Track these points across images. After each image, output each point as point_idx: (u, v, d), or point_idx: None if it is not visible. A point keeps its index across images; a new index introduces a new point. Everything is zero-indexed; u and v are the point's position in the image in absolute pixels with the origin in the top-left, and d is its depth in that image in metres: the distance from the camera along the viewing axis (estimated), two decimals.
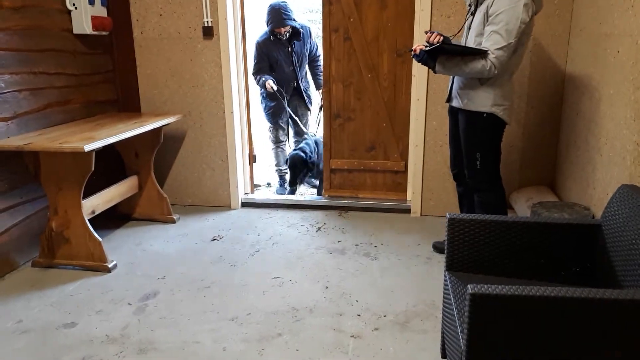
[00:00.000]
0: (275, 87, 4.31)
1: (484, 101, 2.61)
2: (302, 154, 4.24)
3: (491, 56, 2.44)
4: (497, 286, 1.39)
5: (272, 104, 4.51)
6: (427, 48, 2.55)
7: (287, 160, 4.38)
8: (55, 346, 2.26)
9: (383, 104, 3.86)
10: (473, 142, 2.72)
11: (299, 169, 4.22)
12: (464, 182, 2.96)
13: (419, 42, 3.53)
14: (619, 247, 1.74)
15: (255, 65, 4.38)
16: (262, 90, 4.45)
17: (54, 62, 3.29)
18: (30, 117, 3.08)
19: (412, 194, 3.84)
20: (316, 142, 4.48)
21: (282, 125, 4.65)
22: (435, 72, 2.64)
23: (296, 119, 4.60)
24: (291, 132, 4.79)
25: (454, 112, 2.86)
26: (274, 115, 4.57)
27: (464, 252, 1.99)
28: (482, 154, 2.69)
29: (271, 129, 4.68)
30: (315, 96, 4.75)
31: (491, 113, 2.61)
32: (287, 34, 4.22)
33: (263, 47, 4.31)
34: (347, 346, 2.24)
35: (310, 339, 2.29)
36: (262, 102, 4.60)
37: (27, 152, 2.78)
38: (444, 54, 2.58)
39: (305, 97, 4.60)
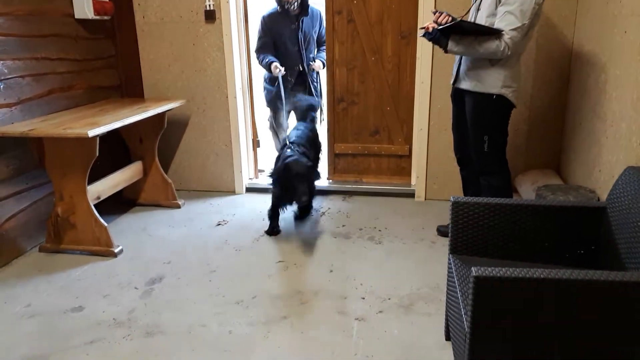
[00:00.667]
0: (283, 71, 3.84)
1: (494, 82, 2.58)
2: (304, 160, 3.07)
3: (505, 37, 2.42)
4: (501, 269, 1.39)
5: (273, 88, 4.05)
6: (443, 26, 2.51)
7: (280, 170, 3.05)
8: (63, 330, 2.29)
9: (387, 87, 3.83)
10: (481, 124, 2.69)
11: (303, 179, 2.97)
12: (469, 166, 2.94)
13: (423, 24, 3.50)
14: (623, 229, 1.74)
15: (259, 40, 3.94)
16: (266, 74, 4.05)
17: (56, 48, 3.27)
18: (33, 102, 3.08)
19: (417, 178, 3.83)
20: (311, 131, 3.62)
21: (282, 108, 4.12)
22: (446, 51, 2.60)
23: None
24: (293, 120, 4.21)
25: (459, 95, 2.83)
26: (274, 101, 4.11)
27: (468, 236, 1.99)
28: (490, 136, 2.67)
29: (270, 116, 4.24)
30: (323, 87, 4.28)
31: (500, 95, 2.59)
32: (296, 4, 3.81)
33: (268, 22, 3.89)
34: (352, 329, 2.26)
35: (315, 321, 2.31)
36: (264, 86, 4.18)
37: (31, 138, 2.79)
38: (457, 33, 2.53)
39: (311, 87, 4.08)
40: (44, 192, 3.15)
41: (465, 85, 2.71)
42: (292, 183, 2.94)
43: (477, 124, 2.71)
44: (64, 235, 3.03)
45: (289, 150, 3.14)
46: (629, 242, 1.68)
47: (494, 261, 1.95)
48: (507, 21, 2.43)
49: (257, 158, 4.26)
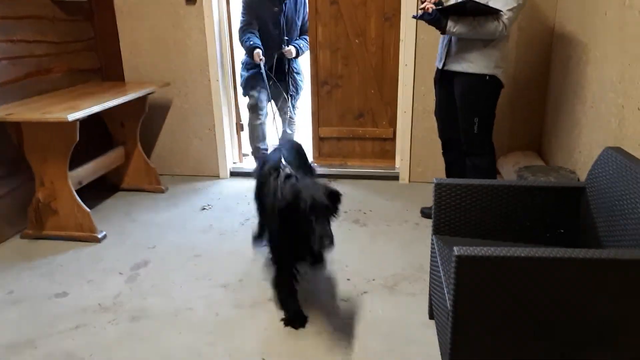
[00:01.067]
0: (263, 60, 3.73)
1: (487, 63, 2.60)
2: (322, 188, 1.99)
3: (504, 17, 2.44)
4: (482, 247, 1.41)
5: (249, 74, 3.88)
6: (447, 5, 2.51)
7: (293, 204, 1.93)
8: (48, 315, 2.28)
9: (371, 70, 3.82)
10: (472, 106, 2.70)
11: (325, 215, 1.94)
12: (454, 149, 2.96)
13: (407, 6, 3.49)
14: (602, 208, 1.78)
15: (243, 19, 3.77)
16: (245, 58, 3.90)
17: (32, 30, 3.19)
18: (10, 87, 3.01)
19: (401, 161, 3.85)
20: (294, 149, 2.62)
21: (261, 92, 3.89)
22: (444, 32, 2.59)
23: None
24: (274, 107, 4.10)
25: (446, 78, 2.81)
26: (251, 86, 3.90)
27: (450, 216, 2.01)
28: (480, 117, 2.69)
29: (249, 102, 3.94)
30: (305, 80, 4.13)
31: (493, 75, 2.62)
32: None
33: (250, 1, 3.76)
34: (337, 309, 2.29)
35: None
36: (240, 72, 4.00)
37: (9, 123, 2.73)
38: (456, 14, 2.52)
39: (293, 74, 3.97)
40: (25, 178, 3.10)
41: (456, 67, 2.70)
42: (309, 223, 1.87)
43: (468, 105, 2.72)
44: (46, 222, 3.00)
45: (287, 170, 2.17)
46: (607, 221, 1.72)
47: (476, 241, 1.98)
48: (504, 1, 2.44)
49: (241, 142, 4.24)
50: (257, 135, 4.00)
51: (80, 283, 2.54)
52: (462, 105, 2.75)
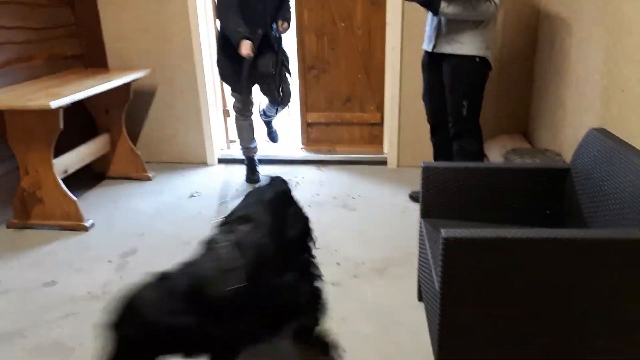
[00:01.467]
0: (252, 55, 3.13)
1: (478, 44, 2.60)
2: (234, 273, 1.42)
3: None
4: (469, 229, 1.43)
5: (231, 67, 3.27)
6: None
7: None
8: (37, 305, 2.27)
9: (358, 54, 3.80)
10: (462, 88, 2.70)
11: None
12: (442, 133, 2.96)
13: None
14: (586, 189, 1.80)
15: None
16: (222, 40, 3.30)
17: (11, 16, 3.12)
18: None
19: (389, 146, 3.86)
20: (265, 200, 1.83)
21: (247, 93, 3.42)
22: (436, 14, 2.58)
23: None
24: (264, 100, 3.65)
25: (434, 61, 2.79)
26: (234, 81, 3.36)
27: (438, 200, 2.03)
28: (469, 100, 2.70)
29: (235, 103, 3.50)
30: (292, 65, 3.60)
31: (483, 57, 2.62)
32: None
33: None
34: (327, 293, 2.30)
35: None
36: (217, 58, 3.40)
37: None
38: None
39: (281, 56, 3.41)
40: (8, 167, 3.05)
41: (447, 48, 2.67)
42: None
43: (458, 88, 2.71)
44: (32, 211, 2.96)
45: (220, 244, 1.53)
46: (592, 201, 1.75)
47: (464, 223, 2.00)
48: None
49: (227, 128, 4.21)
50: (245, 136, 3.61)
51: (69, 272, 2.53)
52: (452, 88, 2.74)
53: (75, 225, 2.95)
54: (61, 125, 2.79)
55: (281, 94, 3.48)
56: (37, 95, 2.74)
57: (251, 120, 3.58)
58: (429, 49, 2.79)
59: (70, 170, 3.14)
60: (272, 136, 3.87)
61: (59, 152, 2.97)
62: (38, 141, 2.82)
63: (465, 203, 2.02)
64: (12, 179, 3.05)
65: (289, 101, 3.62)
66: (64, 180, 2.97)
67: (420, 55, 2.94)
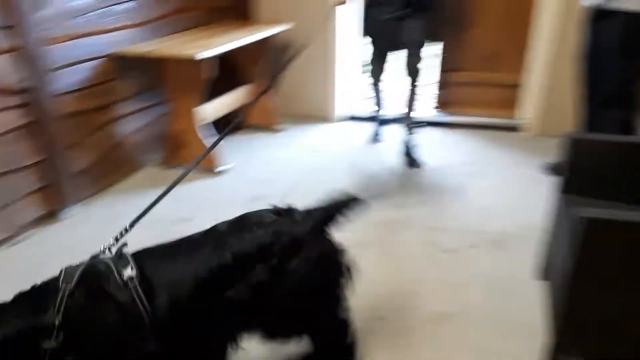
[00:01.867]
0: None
1: None
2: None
3: None
4: (613, 211, 1.29)
5: (373, 22, 3.20)
6: None
7: None
8: (174, 235, 2.52)
9: (502, 9, 3.49)
10: (636, 51, 2.39)
11: None
12: (596, 101, 2.61)
13: None
14: None
15: None
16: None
17: None
18: (154, 24, 3.20)
19: (530, 110, 3.54)
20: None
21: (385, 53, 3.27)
22: None
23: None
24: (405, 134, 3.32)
25: (602, 18, 2.46)
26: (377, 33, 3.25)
27: (582, 175, 1.83)
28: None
29: (372, 58, 3.37)
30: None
31: None
32: None
33: None
34: (442, 259, 2.25)
35: (405, 250, 2.34)
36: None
37: (150, 58, 2.96)
38: None
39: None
40: (161, 111, 3.37)
41: (624, 2, 2.32)
42: None
43: (631, 50, 2.39)
44: (177, 153, 3.27)
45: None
46: None
47: (609, 203, 1.78)
48: None
49: (360, 89, 4.18)
50: (377, 101, 3.57)
51: (205, 210, 2.77)
52: (623, 51, 2.40)
53: (214, 167, 3.21)
54: (210, 75, 2.98)
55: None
56: (190, 45, 2.96)
57: (381, 87, 3.49)
58: (596, 3, 2.45)
59: (214, 118, 3.39)
60: (412, 161, 3.26)
61: (207, 99, 3.19)
62: (189, 89, 3.07)
63: (612, 180, 1.80)
64: (164, 122, 3.35)
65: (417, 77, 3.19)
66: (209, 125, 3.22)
67: (576, 11, 2.60)
